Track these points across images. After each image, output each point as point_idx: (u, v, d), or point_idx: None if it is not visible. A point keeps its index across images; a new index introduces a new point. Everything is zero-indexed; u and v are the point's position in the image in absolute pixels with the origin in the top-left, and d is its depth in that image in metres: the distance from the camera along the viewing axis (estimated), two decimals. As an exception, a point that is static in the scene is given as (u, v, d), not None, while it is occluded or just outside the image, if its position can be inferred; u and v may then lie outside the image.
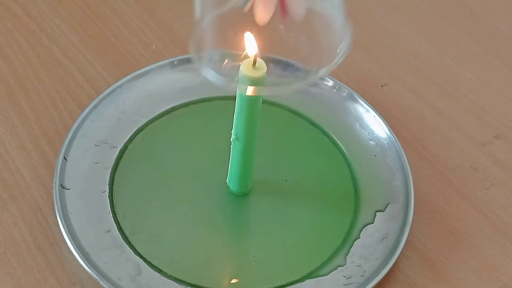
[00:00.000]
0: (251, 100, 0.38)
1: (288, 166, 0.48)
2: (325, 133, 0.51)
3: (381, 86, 0.56)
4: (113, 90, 0.51)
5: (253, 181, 0.46)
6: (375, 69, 0.58)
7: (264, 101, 0.40)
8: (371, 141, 0.50)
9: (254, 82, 0.37)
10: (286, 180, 0.45)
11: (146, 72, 0.52)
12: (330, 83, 0.53)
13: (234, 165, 0.43)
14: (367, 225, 0.46)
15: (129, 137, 0.49)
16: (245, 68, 0.37)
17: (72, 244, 0.42)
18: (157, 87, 0.52)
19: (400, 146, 0.49)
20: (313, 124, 0.51)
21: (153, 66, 0.53)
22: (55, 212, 0.43)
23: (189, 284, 0.42)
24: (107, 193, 0.46)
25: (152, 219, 0.45)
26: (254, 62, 0.37)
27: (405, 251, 0.45)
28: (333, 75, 0.55)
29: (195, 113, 0.48)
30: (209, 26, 0.35)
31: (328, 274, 0.43)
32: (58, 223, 0.43)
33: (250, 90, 0.36)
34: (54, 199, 0.44)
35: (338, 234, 0.45)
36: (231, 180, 0.43)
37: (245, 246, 0.44)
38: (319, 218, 0.46)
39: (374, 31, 0.61)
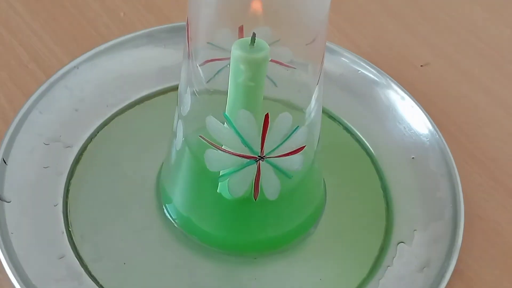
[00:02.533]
0: (250, 88, 0.38)
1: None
2: (347, 128, 0.51)
3: (421, 66, 0.56)
4: (68, 72, 0.51)
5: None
6: (413, 43, 0.58)
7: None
8: (407, 139, 0.51)
9: (253, 64, 0.37)
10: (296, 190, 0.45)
11: (112, 48, 0.52)
12: (354, 62, 0.54)
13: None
14: (402, 249, 0.46)
15: (89, 134, 0.49)
16: (239, 47, 0.37)
17: (13, 274, 0.42)
18: (126, 67, 0.52)
19: (447, 146, 0.49)
20: (331, 116, 0.52)
21: (120, 39, 0.53)
22: (-9, 233, 0.43)
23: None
24: (60, 207, 0.46)
25: (119, 241, 0.45)
26: (253, 41, 0.37)
27: (453, 283, 0.45)
28: (358, 51, 0.55)
29: (175, 103, 0.48)
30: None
31: (352, 313, 0.43)
32: (-5, 247, 0.43)
33: None
34: (-10, 216, 0.44)
35: (364, 261, 0.46)
36: (223, 186, 0.44)
37: (244, 278, 0.45)
38: (339, 241, 0.47)
39: (412, -6, 0.62)
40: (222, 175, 0.41)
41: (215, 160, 0.40)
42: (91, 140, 0.49)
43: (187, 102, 0.41)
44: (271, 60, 0.38)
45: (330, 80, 0.52)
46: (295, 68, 0.40)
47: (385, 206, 0.48)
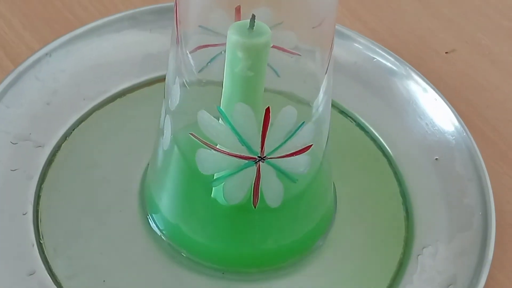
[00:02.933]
0: (248, 79, 0.38)
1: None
2: (360, 125, 0.52)
3: (446, 53, 0.57)
4: (39, 60, 0.51)
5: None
6: (436, 27, 0.58)
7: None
8: (430, 137, 0.51)
9: (252, 51, 0.37)
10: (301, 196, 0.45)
11: (89, 33, 0.53)
12: (368, 48, 0.54)
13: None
14: (424, 264, 0.46)
15: (63, 131, 0.49)
16: (236, 31, 0.37)
17: (-23, 294, 0.42)
18: (106, 55, 0.52)
19: (475, 145, 0.49)
20: (342, 111, 0.52)
21: (99, 23, 0.53)
22: (-50, 246, 0.43)
23: None
24: (30, 216, 0.46)
25: (97, 255, 0.45)
26: (252, 24, 0.37)
27: (483, 305, 0.45)
28: (373, 36, 0.55)
29: (162, 95, 0.48)
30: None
31: None
32: (-46, 262, 0.43)
33: None
34: (-51, 226, 0.44)
35: (381, 278, 0.46)
36: (218, 191, 0.44)
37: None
38: (351, 255, 0.47)
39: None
40: (216, 179, 0.41)
41: (209, 161, 0.40)
42: (66, 138, 0.49)
43: (175, 94, 0.41)
44: (273, 46, 0.38)
45: (341, 69, 0.52)
46: (300, 55, 0.40)
47: (405, 215, 0.48)
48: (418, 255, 0.46)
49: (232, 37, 0.37)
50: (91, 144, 0.49)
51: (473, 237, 0.46)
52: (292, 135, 0.39)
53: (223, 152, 0.39)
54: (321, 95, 0.41)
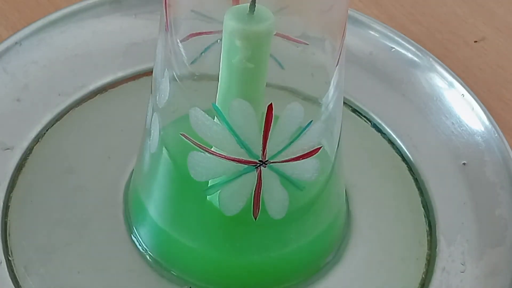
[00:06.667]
0: (248, 72, 0.38)
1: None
2: (376, 125, 0.52)
3: (475, 42, 0.57)
4: (8, 50, 0.51)
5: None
6: (464, 11, 0.58)
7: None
8: (457, 139, 0.51)
9: (253, 40, 0.37)
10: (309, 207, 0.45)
11: (65, 18, 0.53)
12: (386, 36, 0.54)
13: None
14: (449, 285, 0.46)
15: (35, 132, 0.49)
16: (234, 17, 0.37)
17: None
18: (84, 44, 0.53)
19: (509, 148, 0.50)
20: (356, 110, 0.52)
21: (76, 7, 0.53)
22: None
23: None
24: (-3, 230, 0.46)
25: (75, 274, 0.45)
26: (252, 8, 0.37)
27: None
28: (391, 22, 0.55)
29: (149, 91, 0.48)
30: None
31: None
32: None
33: None
34: None
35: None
36: (213, 200, 0.44)
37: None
38: (366, 274, 0.47)
39: None
40: (211, 186, 0.41)
41: (202, 166, 0.40)
42: (38, 140, 0.49)
43: (164, 89, 0.41)
44: (276, 34, 0.39)
45: (354, 61, 0.53)
46: (307, 44, 0.40)
47: (427, 228, 0.48)
48: (443, 275, 0.46)
49: (229, 23, 0.37)
50: (67, 147, 0.49)
51: (506, 254, 0.47)
52: (298, 136, 0.39)
53: (219, 155, 0.39)
54: (331, 90, 0.41)
